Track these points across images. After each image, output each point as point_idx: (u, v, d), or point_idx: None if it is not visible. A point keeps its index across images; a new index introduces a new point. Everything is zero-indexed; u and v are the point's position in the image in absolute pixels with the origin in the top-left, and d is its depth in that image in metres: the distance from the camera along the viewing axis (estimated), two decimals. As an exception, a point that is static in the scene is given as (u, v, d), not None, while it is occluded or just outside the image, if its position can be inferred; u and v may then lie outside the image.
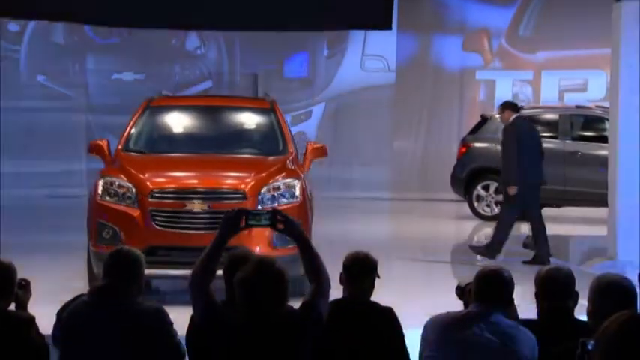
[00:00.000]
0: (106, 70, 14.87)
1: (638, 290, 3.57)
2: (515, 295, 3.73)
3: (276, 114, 7.90)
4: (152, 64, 14.84)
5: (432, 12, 15.32)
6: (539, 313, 3.81)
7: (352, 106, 15.37)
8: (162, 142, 7.77)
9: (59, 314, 3.81)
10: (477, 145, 12.40)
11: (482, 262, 8.70)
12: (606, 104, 10.98)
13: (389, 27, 8.39)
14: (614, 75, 9.03)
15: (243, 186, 6.85)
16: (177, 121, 8.11)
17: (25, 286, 3.87)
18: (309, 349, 3.39)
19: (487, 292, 3.61)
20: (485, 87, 15.50)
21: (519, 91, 15.43)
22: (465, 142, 12.60)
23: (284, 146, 7.59)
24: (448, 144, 14.66)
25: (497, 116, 12.63)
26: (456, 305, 3.83)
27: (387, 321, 3.97)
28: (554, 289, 3.76)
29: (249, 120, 8.19)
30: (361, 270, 4.02)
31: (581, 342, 2.56)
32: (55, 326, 3.79)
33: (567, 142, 12.07)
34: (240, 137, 7.92)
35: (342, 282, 4.05)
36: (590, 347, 2.35)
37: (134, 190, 6.80)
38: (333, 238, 8.90)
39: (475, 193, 12.19)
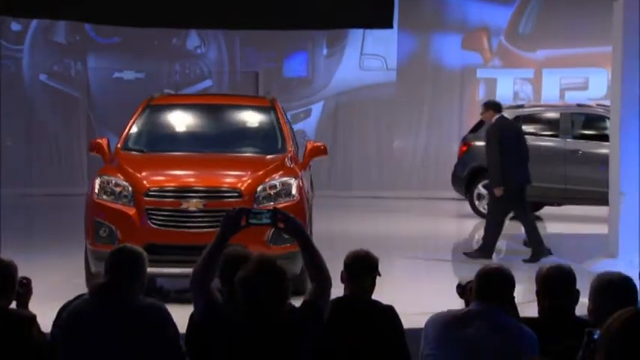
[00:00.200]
0: (107, 69, 14.87)
1: (639, 289, 3.57)
2: (515, 294, 3.74)
3: (276, 112, 7.88)
4: (153, 63, 14.84)
5: (431, 10, 15.30)
6: (540, 311, 3.81)
7: (352, 105, 15.37)
8: (161, 141, 7.77)
9: (59, 313, 3.81)
10: (478, 143, 12.37)
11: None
12: (607, 103, 10.98)
13: (390, 25, 8.39)
14: (615, 73, 9.03)
15: (239, 184, 6.85)
16: (177, 120, 8.11)
17: (26, 284, 3.87)
18: (310, 348, 3.39)
19: (488, 290, 3.62)
20: (487, 86, 15.48)
21: (519, 90, 15.41)
22: (465, 141, 12.59)
23: (283, 144, 7.57)
24: (449, 142, 14.66)
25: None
26: (457, 304, 3.83)
27: (388, 319, 3.97)
28: (555, 288, 3.76)
29: (249, 118, 8.18)
30: (362, 268, 4.02)
31: (587, 331, 2.56)
32: (54, 325, 3.78)
33: (568, 140, 12.06)
34: (239, 136, 7.91)
35: (343, 280, 4.05)
36: (596, 337, 2.36)
37: (130, 188, 6.80)
38: (334, 237, 8.91)
39: (476, 191, 12.18)
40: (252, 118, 8.17)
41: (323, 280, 3.47)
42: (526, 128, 12.34)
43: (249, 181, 6.89)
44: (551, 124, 12.31)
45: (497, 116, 8.93)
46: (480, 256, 8.78)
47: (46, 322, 3.83)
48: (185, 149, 7.57)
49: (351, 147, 15.33)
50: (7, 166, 14.49)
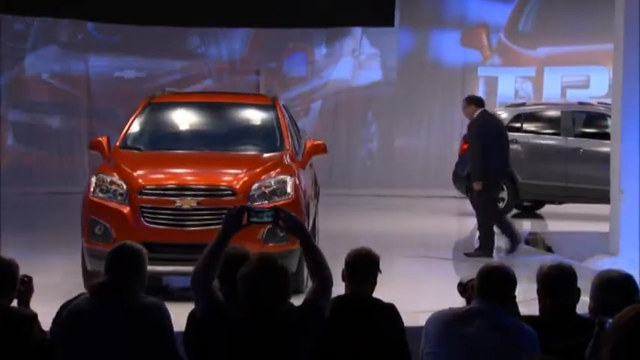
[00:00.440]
0: (109, 67, 14.87)
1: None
2: (516, 292, 3.73)
3: (277, 110, 7.87)
4: (154, 62, 14.84)
5: (430, 7, 15.25)
6: (540, 309, 3.81)
7: (351, 104, 15.36)
8: (160, 139, 7.77)
9: (60, 312, 3.81)
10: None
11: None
12: (609, 101, 10.97)
13: (391, 24, 8.40)
14: (617, 71, 9.02)
15: (233, 183, 6.83)
16: (176, 118, 8.10)
17: (27, 282, 3.87)
18: (311, 346, 3.40)
19: (489, 288, 3.62)
20: (488, 84, 15.45)
21: (519, 88, 15.38)
22: (466, 139, 12.58)
23: (281, 143, 7.55)
24: (450, 141, 14.63)
25: (497, 111, 12.65)
26: (458, 302, 3.83)
27: (389, 318, 3.97)
28: (556, 286, 3.76)
29: (249, 116, 8.16)
30: (363, 267, 4.02)
31: (598, 322, 2.56)
32: (54, 323, 3.78)
33: (569, 138, 12.06)
34: (238, 134, 7.90)
35: (344, 279, 4.05)
36: (608, 327, 2.36)
37: (125, 186, 6.80)
38: (335, 235, 8.90)
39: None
40: (252, 116, 8.15)
41: (324, 279, 3.47)
42: (527, 126, 12.37)
43: (244, 179, 6.88)
44: (552, 122, 12.31)
45: (479, 111, 8.90)
46: (480, 255, 8.79)
47: (46, 320, 3.83)
48: (183, 147, 7.56)
49: (352, 145, 15.32)
50: (8, 163, 14.54)
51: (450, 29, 15.30)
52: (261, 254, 3.55)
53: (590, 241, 10.00)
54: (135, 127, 7.72)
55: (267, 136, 7.71)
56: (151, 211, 6.73)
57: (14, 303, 3.81)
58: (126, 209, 6.74)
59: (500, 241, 9.73)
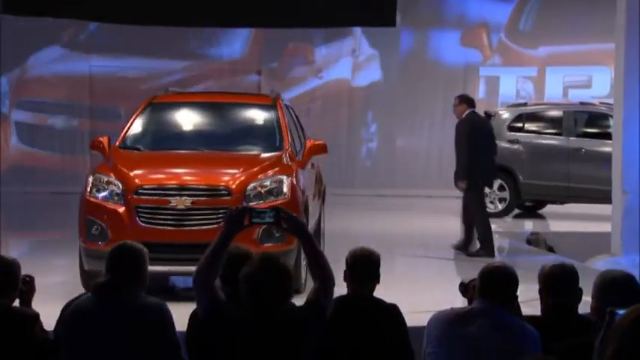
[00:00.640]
0: (111, 67, 14.89)
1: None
2: (518, 292, 3.73)
3: (277, 110, 7.85)
4: (156, 62, 14.85)
5: (430, 6, 15.22)
6: (542, 309, 3.80)
7: (352, 103, 15.36)
8: (159, 139, 7.76)
9: (63, 312, 3.81)
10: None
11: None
12: (611, 101, 10.95)
13: (392, 24, 8.40)
14: (618, 71, 9.01)
15: (228, 183, 6.82)
16: (177, 118, 8.09)
17: (29, 282, 3.87)
18: (313, 347, 3.40)
19: (491, 288, 3.61)
20: (490, 83, 15.43)
21: (520, 88, 15.36)
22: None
23: (280, 142, 7.54)
24: (451, 141, 14.57)
25: (499, 111, 12.65)
26: (460, 302, 3.83)
27: (391, 318, 3.97)
28: (558, 286, 3.76)
29: (249, 116, 8.14)
30: (365, 267, 4.01)
31: (609, 311, 2.56)
32: (58, 323, 3.79)
33: (571, 138, 12.06)
34: (238, 134, 7.87)
35: (345, 279, 4.05)
36: (618, 317, 2.36)
37: (121, 186, 6.80)
38: (336, 235, 8.90)
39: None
40: (252, 116, 8.14)
41: (326, 279, 3.47)
42: (529, 126, 12.37)
43: (240, 179, 6.87)
44: (554, 122, 12.31)
45: (468, 111, 8.97)
46: (482, 255, 8.80)
47: (48, 320, 3.83)
48: (183, 147, 7.55)
49: (352, 145, 15.32)
50: (12, 163, 14.57)
51: (450, 29, 15.27)
52: (263, 254, 3.56)
53: (592, 241, 10.00)
54: (135, 127, 7.71)
55: (266, 136, 7.69)
56: (146, 211, 6.72)
57: (16, 303, 3.81)
58: (122, 209, 6.74)
59: (501, 241, 9.76)
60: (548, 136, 12.26)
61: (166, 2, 7.95)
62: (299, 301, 3.49)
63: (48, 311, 3.94)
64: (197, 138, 7.78)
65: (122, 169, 6.96)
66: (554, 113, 12.43)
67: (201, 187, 6.82)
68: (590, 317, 3.64)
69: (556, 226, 11.91)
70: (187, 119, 8.11)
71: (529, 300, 4.34)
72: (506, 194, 12.11)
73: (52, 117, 14.91)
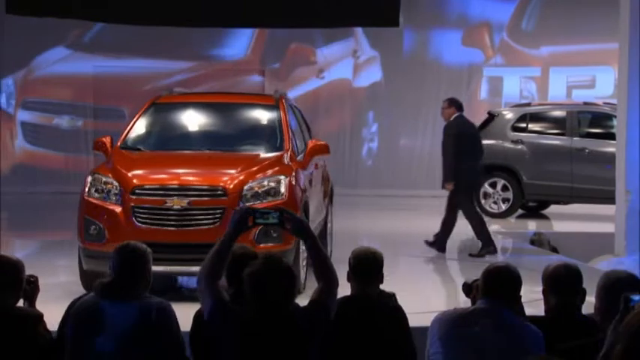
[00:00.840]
0: (114, 68, 14.91)
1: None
2: (521, 292, 3.73)
3: (279, 110, 7.84)
4: (161, 62, 14.87)
5: (432, 7, 15.16)
6: (546, 309, 3.80)
7: (354, 104, 15.35)
8: (161, 140, 7.75)
9: (67, 312, 3.82)
10: (484, 142, 12.35)
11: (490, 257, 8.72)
12: (615, 101, 10.94)
13: (396, 24, 8.39)
14: (622, 71, 9.01)
15: (224, 183, 6.80)
16: (178, 119, 8.08)
17: (34, 282, 3.87)
18: (317, 347, 3.40)
19: (494, 288, 3.61)
20: (493, 84, 15.40)
21: (523, 88, 15.32)
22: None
23: (281, 143, 7.53)
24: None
25: (502, 112, 12.64)
26: (464, 302, 3.83)
27: (395, 318, 3.96)
28: (562, 286, 3.75)
29: (251, 117, 8.11)
30: (368, 268, 4.00)
31: (624, 297, 2.56)
32: (62, 323, 3.79)
33: (575, 139, 12.05)
34: (239, 134, 7.84)
35: (349, 279, 4.05)
36: (633, 303, 2.36)
37: (118, 186, 6.80)
38: (341, 235, 8.90)
39: (482, 190, 12.18)
40: (254, 116, 8.12)
41: (330, 280, 3.48)
42: (532, 127, 12.36)
43: (237, 179, 6.85)
44: (557, 122, 12.30)
45: (456, 114, 9.06)
46: (483, 254, 8.81)
47: (52, 320, 3.84)
48: (184, 148, 7.54)
49: (355, 146, 15.31)
50: (17, 163, 14.62)
51: (451, 28, 15.21)
52: (267, 253, 3.56)
53: (596, 241, 9.98)
54: (136, 127, 7.72)
55: (268, 137, 7.67)
56: (142, 211, 6.71)
57: (20, 303, 3.81)
58: (119, 209, 6.73)
59: (506, 241, 9.75)
60: (551, 136, 12.25)
61: (170, 3, 7.96)
62: (300, 301, 3.49)
63: (52, 311, 3.95)
64: (198, 138, 7.78)
65: (120, 169, 6.96)
66: (558, 113, 12.41)
67: (197, 187, 6.81)
68: (593, 317, 3.64)
69: (559, 226, 11.90)
70: (189, 120, 8.10)
71: (533, 300, 4.34)
72: (509, 194, 12.10)
73: (57, 117, 14.95)
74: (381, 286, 4.06)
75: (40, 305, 3.87)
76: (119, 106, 14.57)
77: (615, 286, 3.51)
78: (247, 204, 6.61)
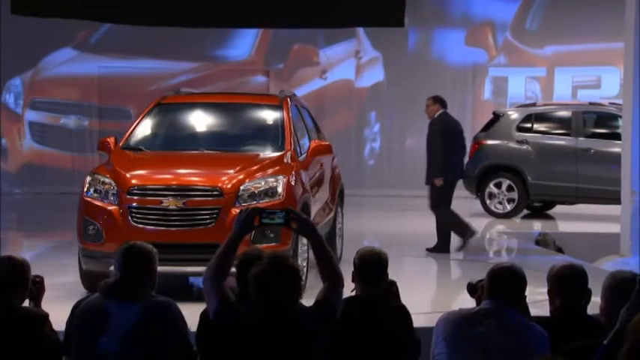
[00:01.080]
0: (121, 69, 14.94)
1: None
2: (526, 292, 3.73)
3: (283, 111, 7.83)
4: (166, 63, 14.89)
5: (435, 6, 15.09)
6: (551, 310, 3.79)
7: (357, 104, 15.34)
8: (163, 140, 7.74)
9: (72, 312, 3.83)
10: (490, 142, 12.37)
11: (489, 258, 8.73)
12: (620, 101, 10.92)
13: (401, 24, 8.37)
14: (627, 71, 8.99)
15: (220, 183, 6.79)
16: (182, 119, 8.06)
17: (39, 282, 3.88)
18: (322, 348, 3.40)
19: (499, 289, 3.61)
20: (498, 84, 15.36)
21: (527, 88, 15.27)
22: (477, 140, 12.57)
23: (282, 142, 7.50)
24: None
25: (508, 112, 12.62)
26: (469, 302, 3.83)
27: (400, 319, 3.96)
28: (567, 287, 3.75)
29: (255, 117, 8.08)
30: (373, 268, 4.00)
31: (639, 279, 2.55)
32: (69, 323, 3.80)
33: (580, 139, 12.03)
34: (242, 134, 7.81)
35: (354, 280, 4.05)
36: None
37: (116, 186, 6.81)
38: (345, 235, 8.89)
39: (487, 190, 12.17)
40: (257, 116, 8.09)
41: (335, 280, 3.48)
42: (538, 127, 12.34)
43: (234, 179, 6.83)
44: (563, 122, 12.28)
45: (440, 111, 9.13)
46: (463, 247, 8.90)
47: (58, 320, 3.85)
48: (185, 148, 7.53)
49: (362, 145, 15.29)
50: (25, 163, 14.68)
51: (454, 28, 15.13)
52: (273, 253, 3.56)
53: (601, 241, 9.96)
54: (140, 127, 7.72)
55: (270, 137, 7.64)
56: (138, 211, 6.71)
57: (26, 303, 3.82)
58: (116, 209, 6.73)
59: (509, 241, 9.73)
60: (557, 136, 12.22)
61: (174, 4, 7.96)
62: (302, 301, 3.49)
63: (57, 311, 3.96)
64: (200, 138, 7.77)
65: (118, 170, 6.96)
66: (563, 114, 12.39)
67: (193, 187, 6.80)
68: (599, 318, 3.63)
69: (565, 226, 11.87)
70: (191, 120, 8.09)
71: (538, 301, 4.33)
72: (514, 195, 12.09)
73: (64, 117, 15.01)
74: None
75: (45, 305, 3.88)
76: (125, 106, 14.60)
77: (621, 286, 3.51)
78: (244, 204, 6.61)
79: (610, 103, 12.46)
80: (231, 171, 6.92)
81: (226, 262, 3.47)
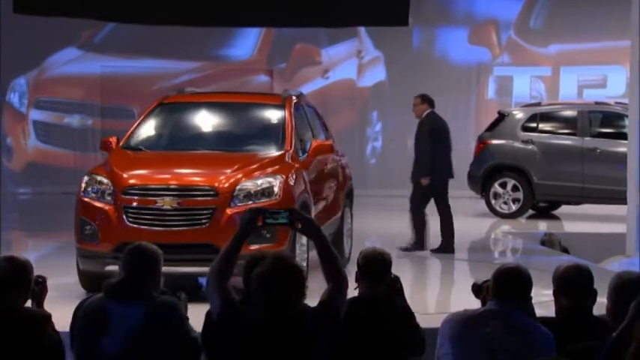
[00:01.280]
0: (122, 67, 14.96)
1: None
2: (532, 293, 3.71)
3: (285, 110, 7.78)
4: (169, 62, 14.90)
5: (438, 4, 14.99)
6: (557, 311, 3.78)
7: (362, 103, 15.33)
8: (163, 140, 7.73)
9: (75, 312, 3.82)
10: (495, 141, 12.34)
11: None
12: (626, 100, 10.87)
13: (405, 23, 8.35)
14: (634, 70, 8.95)
15: (216, 183, 6.77)
16: (183, 119, 8.04)
17: (42, 282, 3.87)
18: (325, 348, 3.39)
19: (505, 289, 3.59)
20: (502, 83, 15.30)
21: (532, 88, 15.20)
22: (481, 139, 12.54)
23: (283, 142, 7.48)
24: (465, 140, 14.49)
25: (513, 111, 12.59)
26: (474, 303, 3.81)
27: (404, 319, 3.95)
28: (573, 287, 3.73)
29: (257, 116, 8.04)
30: (376, 268, 3.99)
31: None
32: (73, 324, 3.79)
33: (586, 138, 11.98)
34: (243, 134, 7.78)
35: (357, 280, 4.03)
36: None
37: (112, 186, 6.80)
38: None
39: (492, 190, 12.14)
40: (259, 116, 8.04)
41: (339, 281, 3.47)
42: (543, 126, 12.30)
43: (230, 179, 6.81)
44: (568, 122, 12.23)
45: (428, 111, 9.12)
46: (412, 249, 8.87)
47: (60, 321, 3.83)
48: (185, 148, 7.51)
49: (365, 145, 15.27)
50: (29, 163, 14.70)
51: (457, 26, 15.02)
52: (276, 253, 3.56)
53: (607, 242, 9.93)
54: (140, 127, 7.70)
55: (271, 136, 7.61)
56: (133, 211, 6.70)
57: (28, 303, 3.81)
58: (111, 209, 6.72)
59: (515, 241, 9.69)
60: (562, 136, 12.18)
61: (176, 3, 7.95)
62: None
63: (60, 312, 3.95)
64: (201, 138, 7.75)
65: (115, 170, 6.95)
66: (569, 113, 12.34)
67: (187, 187, 6.78)
68: (605, 319, 3.61)
69: (570, 227, 11.83)
70: (194, 119, 8.06)
71: (543, 301, 4.31)
72: (520, 195, 12.05)
73: (67, 116, 15.04)
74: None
75: (48, 306, 3.87)
76: (128, 105, 14.62)
77: (627, 287, 3.49)
78: (240, 204, 6.59)
79: (616, 103, 12.41)
80: (228, 170, 6.90)
81: (230, 262, 3.47)
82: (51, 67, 15.01)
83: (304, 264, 6.92)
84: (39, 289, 3.84)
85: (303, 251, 7.00)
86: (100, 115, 14.98)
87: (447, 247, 9.01)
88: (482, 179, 12.21)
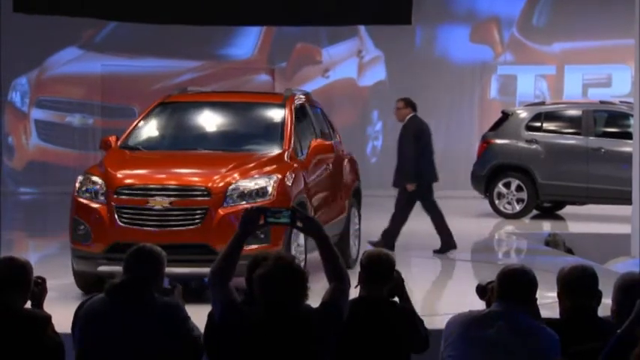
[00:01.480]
0: (123, 67, 14.97)
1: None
2: (536, 294, 3.68)
3: (285, 109, 7.73)
4: (170, 62, 14.91)
5: (439, 1, 14.91)
6: (561, 312, 3.76)
7: (363, 103, 15.31)
8: (161, 139, 7.72)
9: (76, 314, 3.80)
10: (498, 141, 12.30)
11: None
12: (631, 100, 10.82)
13: (408, 21, 8.32)
14: (638, 69, 8.91)
15: (208, 183, 6.73)
16: (183, 118, 8.00)
17: (41, 283, 3.87)
18: (329, 349, 3.37)
19: (509, 291, 3.58)
20: (506, 82, 15.24)
21: (536, 87, 15.14)
22: (485, 139, 12.50)
23: (282, 141, 7.44)
24: (468, 140, 14.47)
25: (516, 111, 12.56)
26: (478, 304, 3.79)
27: (408, 320, 3.94)
28: (578, 288, 3.71)
29: (256, 116, 7.99)
30: (380, 270, 3.98)
31: None
32: (74, 325, 3.78)
33: (591, 138, 11.94)
34: (242, 133, 7.75)
35: (360, 281, 4.01)
36: None
37: (105, 186, 6.79)
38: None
39: (496, 190, 12.10)
40: (259, 115, 8.00)
41: (342, 282, 3.46)
42: (547, 126, 12.26)
43: (223, 179, 6.77)
44: (573, 121, 12.19)
45: (411, 115, 9.13)
46: (381, 245, 8.79)
47: (60, 322, 3.82)
48: (182, 147, 7.48)
49: (367, 145, 15.25)
50: (30, 162, 14.72)
51: (459, 24, 14.89)
52: (278, 254, 3.55)
53: (612, 242, 9.90)
54: (139, 127, 7.68)
55: (270, 136, 7.58)
56: (125, 211, 6.68)
57: (28, 304, 3.79)
58: (104, 209, 6.71)
59: (519, 242, 9.66)
60: (567, 135, 12.14)
61: (177, 2, 7.94)
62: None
63: (60, 313, 3.94)
64: (200, 138, 7.71)
65: (108, 169, 6.94)
66: (573, 112, 12.30)
67: (179, 187, 6.75)
68: (610, 320, 3.59)
69: (575, 227, 11.79)
70: (193, 119, 8.03)
71: (548, 302, 4.28)
72: (524, 195, 12.01)
73: (69, 115, 15.07)
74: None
75: (47, 307, 3.85)
76: (129, 104, 14.63)
77: (632, 288, 3.48)
78: (233, 204, 6.56)
79: (621, 102, 12.35)
80: (223, 170, 6.86)
81: (231, 262, 3.47)
82: (52, 67, 15.03)
83: (302, 264, 6.89)
84: (38, 289, 3.84)
85: (300, 252, 6.96)
86: (100, 114, 15.00)
87: (448, 244, 8.96)
88: (486, 179, 12.17)
